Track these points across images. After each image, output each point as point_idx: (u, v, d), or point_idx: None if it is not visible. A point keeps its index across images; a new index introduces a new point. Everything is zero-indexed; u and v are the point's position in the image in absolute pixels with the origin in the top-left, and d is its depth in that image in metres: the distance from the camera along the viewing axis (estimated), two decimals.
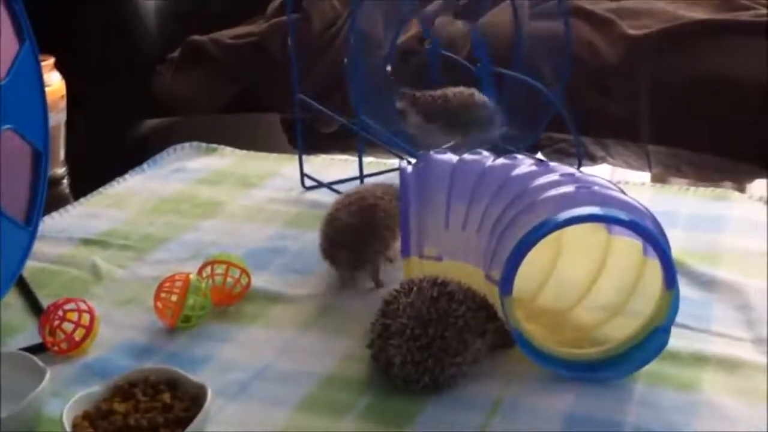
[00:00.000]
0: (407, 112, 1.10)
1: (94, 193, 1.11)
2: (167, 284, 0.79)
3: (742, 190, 1.11)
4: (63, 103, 1.17)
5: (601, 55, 1.67)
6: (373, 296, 0.75)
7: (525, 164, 0.78)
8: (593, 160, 1.28)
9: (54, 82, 1.14)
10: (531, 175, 0.76)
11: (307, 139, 1.13)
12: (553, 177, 0.75)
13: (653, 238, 0.69)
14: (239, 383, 0.71)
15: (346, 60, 1.04)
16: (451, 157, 0.82)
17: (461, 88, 1.12)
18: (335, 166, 1.18)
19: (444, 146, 1.10)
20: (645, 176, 1.22)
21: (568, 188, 0.72)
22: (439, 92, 1.11)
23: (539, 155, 1.23)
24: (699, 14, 1.74)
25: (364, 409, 0.68)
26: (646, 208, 0.71)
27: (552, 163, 0.79)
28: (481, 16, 1.79)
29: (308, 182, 1.12)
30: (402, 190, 0.79)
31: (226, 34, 1.82)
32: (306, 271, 0.89)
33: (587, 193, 0.72)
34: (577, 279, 0.80)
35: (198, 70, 1.81)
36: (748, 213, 1.00)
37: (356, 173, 1.03)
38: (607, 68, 1.66)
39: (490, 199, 0.76)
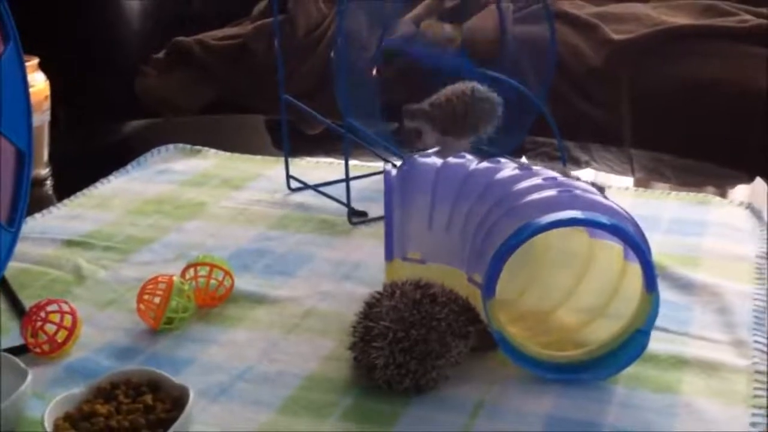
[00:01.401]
0: (423, 130, 1.08)
1: (78, 194, 1.11)
2: (150, 286, 0.79)
3: (724, 195, 1.13)
4: (47, 104, 1.16)
5: (585, 60, 1.68)
6: (357, 299, 0.75)
7: (508, 168, 0.79)
8: (577, 164, 1.29)
9: (38, 82, 1.13)
10: (514, 179, 0.77)
11: (292, 141, 1.13)
12: (536, 181, 0.75)
13: (634, 242, 0.69)
14: (221, 385, 0.71)
15: (332, 62, 1.04)
16: (435, 161, 0.82)
17: (459, 86, 1.09)
18: (321, 169, 1.18)
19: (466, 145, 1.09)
20: (628, 180, 1.23)
21: (550, 192, 0.73)
22: (441, 98, 1.09)
23: (523, 159, 1.23)
24: (683, 19, 1.76)
25: (346, 411, 0.68)
26: (627, 212, 0.72)
27: (535, 167, 0.79)
28: (467, 19, 1.80)
29: (294, 184, 1.12)
30: (386, 193, 0.79)
31: (211, 36, 1.83)
32: (290, 273, 0.89)
33: (569, 196, 0.72)
34: (559, 282, 0.81)
35: (183, 71, 1.81)
36: (728, 217, 1.01)
37: (342, 175, 1.03)
38: (591, 72, 1.68)
39: (473, 202, 0.77)
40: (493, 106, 1.09)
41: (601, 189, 0.88)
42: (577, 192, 0.73)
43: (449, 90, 1.08)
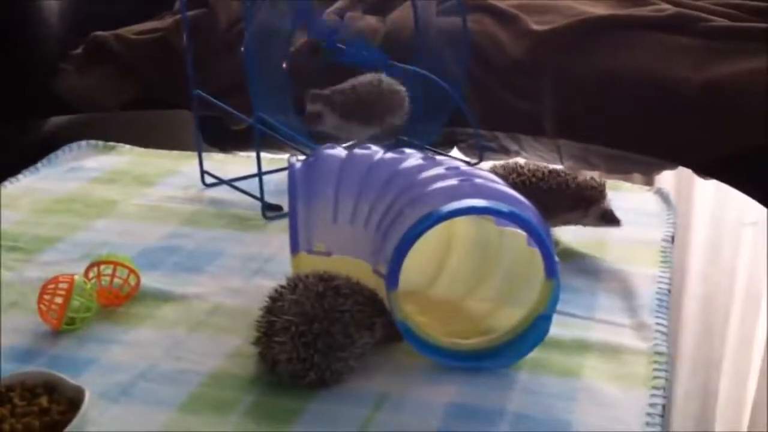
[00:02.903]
0: (323, 113, 1.08)
1: None
2: (51, 286, 0.77)
3: (650, 182, 1.14)
4: None
5: (507, 51, 1.70)
6: (266, 294, 0.74)
7: (413, 158, 0.79)
8: (507, 153, 1.30)
9: None
10: (418, 169, 0.77)
11: (222, 136, 1.11)
12: (439, 170, 0.75)
13: (532, 229, 0.70)
14: (122, 385, 0.70)
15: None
16: (341, 152, 0.82)
17: (368, 76, 1.10)
18: (239, 163, 1.16)
19: (364, 138, 1.10)
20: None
21: (452, 181, 0.73)
22: (347, 86, 1.10)
23: (455, 150, 1.24)
24: (602, 10, 1.78)
25: (250, 407, 0.67)
26: (527, 201, 0.72)
27: (439, 157, 0.80)
28: (391, 12, 1.80)
29: (208, 179, 1.10)
30: (290, 186, 0.78)
31: (130, 30, 1.79)
32: (199, 270, 0.88)
33: (470, 185, 0.72)
34: (469, 270, 0.81)
35: (103, 67, 1.77)
36: (638, 203, 1.03)
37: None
38: (514, 63, 1.69)
39: (377, 192, 0.76)
40: (401, 98, 1.10)
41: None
42: (479, 181, 0.74)
43: (356, 79, 1.09)
